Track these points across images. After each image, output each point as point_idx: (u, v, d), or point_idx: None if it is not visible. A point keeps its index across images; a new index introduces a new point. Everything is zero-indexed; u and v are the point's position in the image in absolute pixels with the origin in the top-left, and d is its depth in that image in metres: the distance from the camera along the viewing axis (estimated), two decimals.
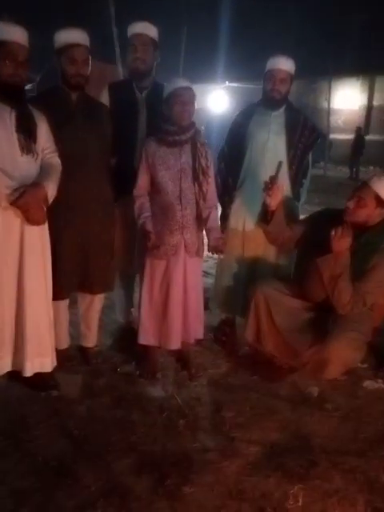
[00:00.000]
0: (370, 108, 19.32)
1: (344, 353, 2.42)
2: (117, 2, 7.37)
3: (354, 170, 14.47)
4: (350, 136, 15.47)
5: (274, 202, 2.61)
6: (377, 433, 2.25)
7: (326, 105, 14.49)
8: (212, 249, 2.49)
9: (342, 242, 2.36)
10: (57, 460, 1.98)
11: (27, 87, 4.13)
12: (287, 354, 2.60)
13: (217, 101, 7.01)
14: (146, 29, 2.68)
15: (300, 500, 1.82)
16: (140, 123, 2.68)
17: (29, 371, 2.33)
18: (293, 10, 17.14)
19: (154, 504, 1.78)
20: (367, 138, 16.06)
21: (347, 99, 19.16)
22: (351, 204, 2.48)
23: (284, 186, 2.77)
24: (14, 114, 2.14)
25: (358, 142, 14.61)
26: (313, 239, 2.63)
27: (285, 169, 2.85)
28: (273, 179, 2.58)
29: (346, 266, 2.41)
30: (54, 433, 2.15)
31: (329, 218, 2.59)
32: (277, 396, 2.52)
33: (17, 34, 2.10)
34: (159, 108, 2.45)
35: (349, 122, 18.32)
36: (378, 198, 2.44)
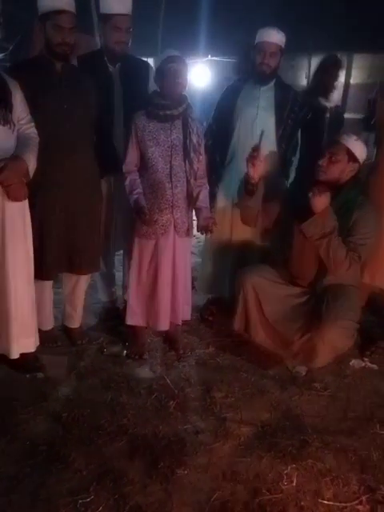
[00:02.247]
0: (347, 85, 19.29)
1: (336, 341, 2.38)
2: None
3: None
4: (327, 114, 15.45)
5: (256, 173, 2.50)
6: (365, 411, 2.28)
7: (305, 82, 14.37)
8: (201, 228, 2.43)
9: (322, 198, 2.32)
10: (46, 444, 1.94)
11: None
12: (277, 344, 2.56)
13: (199, 75, 6.85)
14: (128, 7, 2.51)
15: (294, 480, 1.83)
16: (116, 97, 2.56)
17: (15, 353, 2.26)
18: None
19: (148, 487, 1.76)
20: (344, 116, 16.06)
21: None
22: (324, 162, 2.45)
23: (268, 158, 2.68)
24: None
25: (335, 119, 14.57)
26: (289, 214, 2.59)
27: (272, 143, 2.79)
28: (256, 148, 2.46)
29: (335, 220, 2.37)
30: (42, 416, 2.10)
31: (299, 189, 2.56)
32: (266, 376, 2.52)
33: None
34: (134, 80, 2.36)
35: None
36: (349, 152, 2.43)
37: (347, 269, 2.41)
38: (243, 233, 2.90)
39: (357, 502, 1.75)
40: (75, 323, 2.75)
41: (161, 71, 2.25)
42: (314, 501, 1.74)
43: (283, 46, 2.79)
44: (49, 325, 2.68)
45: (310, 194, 2.33)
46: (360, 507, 1.73)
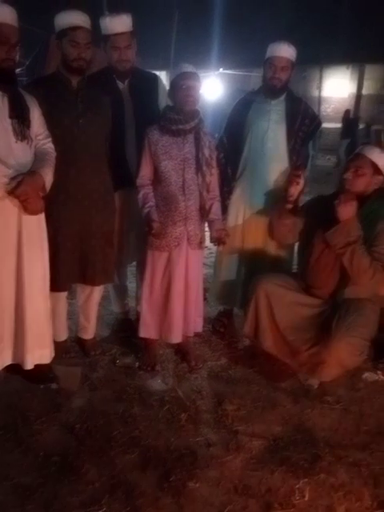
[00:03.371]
0: (358, 96, 19.32)
1: (343, 358, 2.36)
2: None
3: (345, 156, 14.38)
4: (339, 124, 15.44)
5: (297, 191, 2.57)
6: (379, 425, 2.26)
7: (316, 93, 14.44)
8: (214, 240, 2.45)
9: (347, 207, 2.34)
10: (59, 455, 1.96)
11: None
12: (285, 353, 2.55)
13: (210, 88, 6.94)
14: (125, 25, 2.54)
15: (306, 495, 1.82)
16: (127, 112, 2.60)
17: (29, 364, 2.29)
18: None
19: (160, 500, 1.77)
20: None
21: (337, 87, 19.12)
22: (349, 175, 2.47)
23: (279, 171, 2.76)
24: (6, 99, 2.05)
25: (348, 126, 14.47)
26: (310, 227, 2.60)
27: (283, 155, 2.82)
28: (300, 167, 2.55)
29: (360, 229, 2.37)
30: (55, 427, 2.12)
31: (322, 204, 2.58)
32: (278, 388, 2.52)
33: (7, 15, 2.01)
34: (143, 95, 2.40)
35: (338, 111, 18.29)
36: (373, 164, 2.46)
37: (371, 278, 2.39)
38: (255, 244, 2.92)
39: None
40: (89, 334, 2.78)
41: (174, 86, 2.29)
42: None
43: (294, 60, 2.82)
44: (63, 336, 2.71)
45: (336, 202, 2.34)
46: None
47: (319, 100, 14.24)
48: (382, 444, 2.13)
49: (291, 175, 2.54)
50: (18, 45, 2.05)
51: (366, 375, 2.67)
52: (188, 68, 2.31)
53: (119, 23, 2.52)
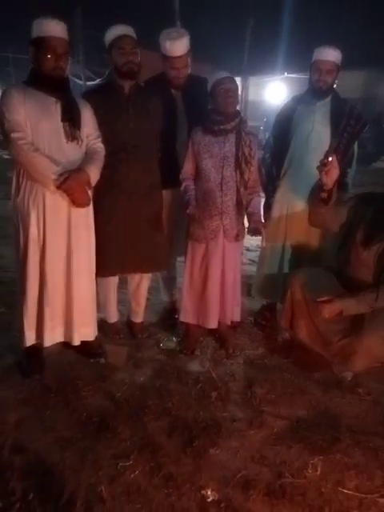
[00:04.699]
0: None
1: (374, 349, 2.41)
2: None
3: None
4: None
5: (330, 180, 2.53)
6: None
7: None
8: (251, 231, 2.60)
9: (330, 308, 2.44)
10: (99, 417, 2.21)
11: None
12: (319, 343, 2.64)
13: (274, 92, 7.04)
14: (183, 48, 2.70)
15: (318, 469, 1.92)
16: (179, 116, 2.81)
17: (76, 340, 2.57)
18: None
19: (181, 460, 1.96)
20: None
21: None
22: None
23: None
24: (59, 105, 2.32)
25: None
26: (353, 224, 2.66)
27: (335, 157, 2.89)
28: (328, 155, 2.49)
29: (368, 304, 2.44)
30: (99, 394, 2.38)
31: (370, 202, 2.62)
32: (310, 378, 2.61)
33: (56, 29, 2.25)
34: (195, 99, 2.56)
35: None
36: None
37: None
38: (297, 240, 3.03)
39: (378, 495, 1.81)
40: (138, 318, 3.04)
41: (213, 92, 2.49)
42: (334, 489, 1.83)
43: (339, 62, 2.91)
44: (113, 318, 3.00)
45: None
46: (381, 500, 1.79)
47: None
48: None
49: (320, 164, 2.52)
50: (67, 55, 2.31)
51: None
52: (224, 74, 2.51)
53: (178, 47, 2.70)
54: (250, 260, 4.41)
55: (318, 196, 2.62)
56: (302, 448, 2.05)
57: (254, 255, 4.35)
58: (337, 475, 1.90)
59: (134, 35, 2.52)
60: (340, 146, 2.93)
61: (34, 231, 2.36)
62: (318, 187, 2.60)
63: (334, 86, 3.24)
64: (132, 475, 1.87)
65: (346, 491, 1.82)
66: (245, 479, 1.87)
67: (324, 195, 2.59)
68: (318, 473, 1.91)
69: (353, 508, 1.76)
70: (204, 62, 12.02)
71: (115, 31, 2.49)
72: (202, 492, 1.80)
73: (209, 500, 1.77)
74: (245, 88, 12.93)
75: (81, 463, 1.93)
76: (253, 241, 4.46)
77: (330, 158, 2.47)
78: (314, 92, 2.94)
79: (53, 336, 2.53)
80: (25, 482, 1.82)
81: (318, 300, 2.49)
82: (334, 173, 2.52)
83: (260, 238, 3.11)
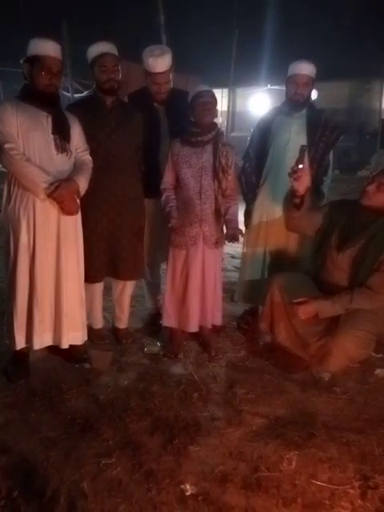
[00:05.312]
0: None
1: (349, 349, 2.51)
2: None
3: None
4: None
5: (301, 186, 2.62)
6: (380, 415, 2.38)
7: (377, 106, 14.35)
8: (229, 237, 2.71)
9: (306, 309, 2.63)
10: (83, 418, 2.27)
11: None
12: (297, 345, 2.73)
13: (259, 103, 7.20)
14: (165, 65, 2.79)
15: (293, 463, 2.01)
16: (162, 128, 2.92)
17: (65, 344, 2.64)
18: (345, 11, 17.09)
19: (162, 457, 2.03)
20: None
21: None
22: (371, 188, 2.57)
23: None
24: (50, 118, 2.44)
25: None
26: (328, 229, 2.77)
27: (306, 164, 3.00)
28: (298, 162, 2.59)
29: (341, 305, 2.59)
30: (83, 397, 2.45)
31: (343, 208, 2.74)
32: (289, 379, 2.70)
33: (50, 49, 2.38)
34: (177, 111, 2.66)
35: None
36: None
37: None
38: (276, 246, 3.14)
39: (349, 486, 1.89)
40: (122, 324, 3.12)
41: (192, 104, 2.61)
42: (308, 481, 1.91)
43: (314, 76, 3.04)
44: (99, 324, 3.08)
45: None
46: (351, 491, 1.87)
47: (380, 112, 14.11)
48: (378, 429, 2.26)
49: (290, 171, 2.62)
50: (60, 73, 2.44)
51: (378, 371, 2.78)
52: (203, 87, 2.62)
53: (161, 64, 2.81)
54: (234, 267, 4.51)
55: (291, 202, 2.73)
56: (278, 444, 2.13)
57: (239, 262, 4.45)
58: (311, 468, 1.98)
59: (115, 52, 2.63)
60: (310, 153, 3.04)
61: (24, 237, 2.45)
62: (291, 193, 2.71)
63: (313, 97, 3.38)
64: (114, 472, 1.94)
65: (318, 483, 1.90)
66: (222, 474, 1.94)
67: (296, 201, 2.70)
68: (293, 466, 1.99)
69: (324, 499, 1.84)
70: (191, 73, 12.24)
71: (97, 48, 2.60)
72: (181, 486, 1.87)
73: (187, 494, 1.84)
74: (232, 99, 13.17)
75: (64, 462, 1.99)
76: (238, 248, 4.56)
77: (301, 166, 2.58)
78: (291, 105, 3.07)
79: (42, 339, 2.60)
80: (9, 481, 1.89)
81: (294, 301, 2.59)
82: (305, 179, 2.63)
83: (242, 244, 3.22)
